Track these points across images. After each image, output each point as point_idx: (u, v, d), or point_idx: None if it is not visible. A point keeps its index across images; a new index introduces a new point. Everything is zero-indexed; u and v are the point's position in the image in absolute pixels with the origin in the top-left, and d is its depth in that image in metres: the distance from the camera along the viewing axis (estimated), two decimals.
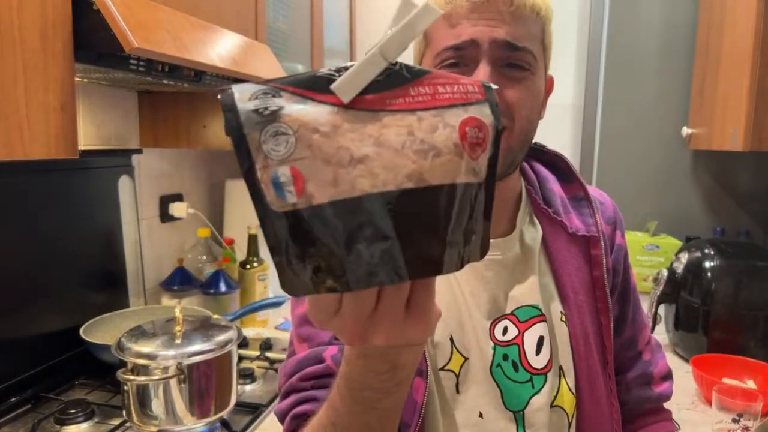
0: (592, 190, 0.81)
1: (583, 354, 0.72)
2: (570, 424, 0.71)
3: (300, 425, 0.63)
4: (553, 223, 0.75)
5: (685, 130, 1.78)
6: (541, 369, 0.70)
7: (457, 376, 0.68)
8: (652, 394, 0.83)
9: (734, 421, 1.12)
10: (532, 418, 0.69)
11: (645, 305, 1.62)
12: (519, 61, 0.66)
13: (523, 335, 0.71)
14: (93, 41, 0.93)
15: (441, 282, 0.52)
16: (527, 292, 0.72)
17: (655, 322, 1.59)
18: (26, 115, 0.82)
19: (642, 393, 0.83)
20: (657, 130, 1.89)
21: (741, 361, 1.39)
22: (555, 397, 0.71)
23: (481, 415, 0.68)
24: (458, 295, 0.70)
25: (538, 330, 0.71)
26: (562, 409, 0.71)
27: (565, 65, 2.53)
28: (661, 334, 1.70)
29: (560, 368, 0.72)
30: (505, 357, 0.69)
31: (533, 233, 0.74)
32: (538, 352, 0.70)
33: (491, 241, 0.47)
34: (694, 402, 1.32)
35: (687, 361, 1.51)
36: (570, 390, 0.71)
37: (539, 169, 0.81)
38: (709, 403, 1.25)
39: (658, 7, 1.85)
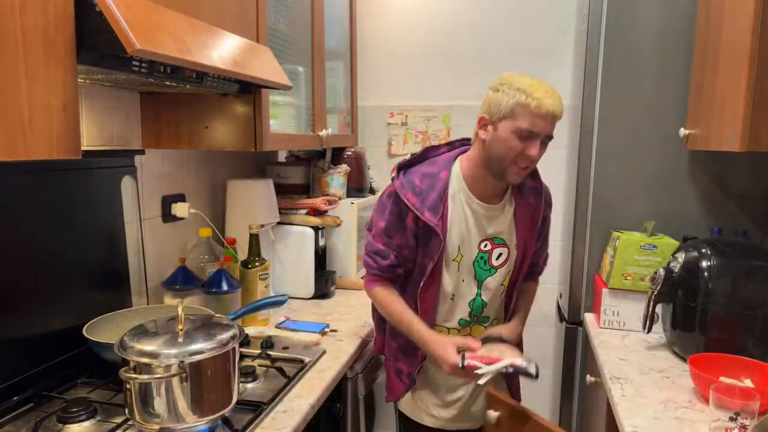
0: (544, 185, 1.53)
1: (518, 263, 1.52)
2: (504, 293, 1.54)
3: (376, 281, 1.51)
4: (521, 200, 1.50)
5: (683, 131, 1.79)
6: (497, 266, 1.49)
7: (458, 263, 1.46)
8: (535, 271, 1.66)
9: (731, 419, 1.13)
10: (486, 285, 1.49)
11: (642, 305, 1.63)
12: (548, 140, 1.35)
13: (492, 250, 1.48)
14: (95, 43, 0.93)
15: (460, 217, 1.44)
16: (501, 230, 1.48)
17: (652, 321, 1.60)
18: (28, 116, 0.83)
19: (530, 272, 1.62)
20: (655, 131, 1.90)
21: (738, 360, 1.40)
22: (503, 281, 1.52)
23: (462, 280, 1.48)
24: (468, 225, 1.44)
25: (500, 249, 1.48)
26: (504, 286, 1.53)
27: (563, 65, 2.54)
28: (658, 334, 1.71)
29: (509, 270, 1.51)
30: (481, 258, 1.47)
31: (511, 204, 1.49)
32: (497, 258, 1.48)
33: (492, 204, 1.46)
34: (691, 401, 1.33)
35: (684, 360, 1.52)
36: (509, 279, 1.53)
37: None
38: (707, 401, 1.26)
39: (657, 8, 1.85)
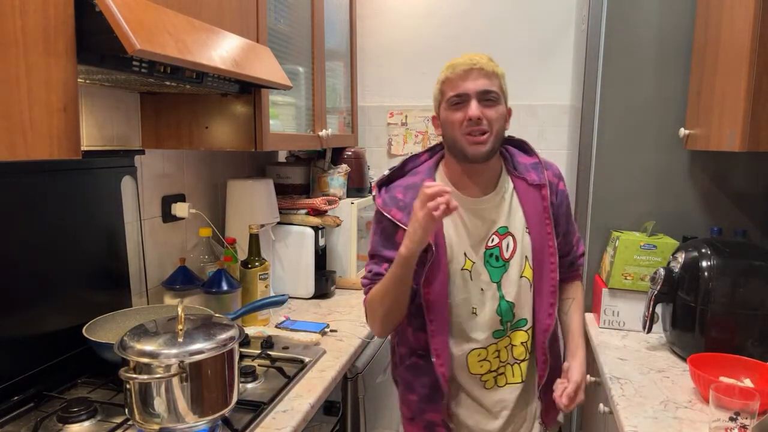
0: (544, 159, 1.40)
1: (537, 248, 1.33)
2: (531, 286, 1.35)
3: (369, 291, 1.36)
4: (519, 179, 1.35)
5: (683, 131, 1.79)
6: (508, 258, 1.34)
7: (470, 271, 1.32)
8: (575, 263, 1.50)
9: (731, 419, 1.13)
10: (504, 284, 1.34)
11: (642, 304, 1.63)
12: (491, 96, 1.25)
13: (500, 242, 1.34)
14: (96, 43, 0.94)
15: (454, 222, 1.32)
16: (502, 220, 1.34)
17: (652, 321, 1.60)
18: (29, 116, 0.83)
19: (570, 265, 1.49)
20: (654, 131, 1.90)
21: (738, 360, 1.40)
22: (522, 271, 1.34)
23: (481, 289, 1.33)
24: (467, 227, 1.33)
25: (508, 239, 1.34)
26: (527, 278, 1.34)
27: (563, 66, 2.54)
28: (658, 334, 1.71)
29: (525, 257, 1.34)
30: (491, 255, 1.33)
31: (508, 188, 1.36)
32: (506, 250, 1.34)
33: (486, 196, 1.34)
34: (691, 401, 1.33)
35: (684, 360, 1.52)
36: (530, 268, 1.34)
37: (512, 150, 1.41)
38: (707, 401, 1.26)
39: (657, 9, 1.85)
